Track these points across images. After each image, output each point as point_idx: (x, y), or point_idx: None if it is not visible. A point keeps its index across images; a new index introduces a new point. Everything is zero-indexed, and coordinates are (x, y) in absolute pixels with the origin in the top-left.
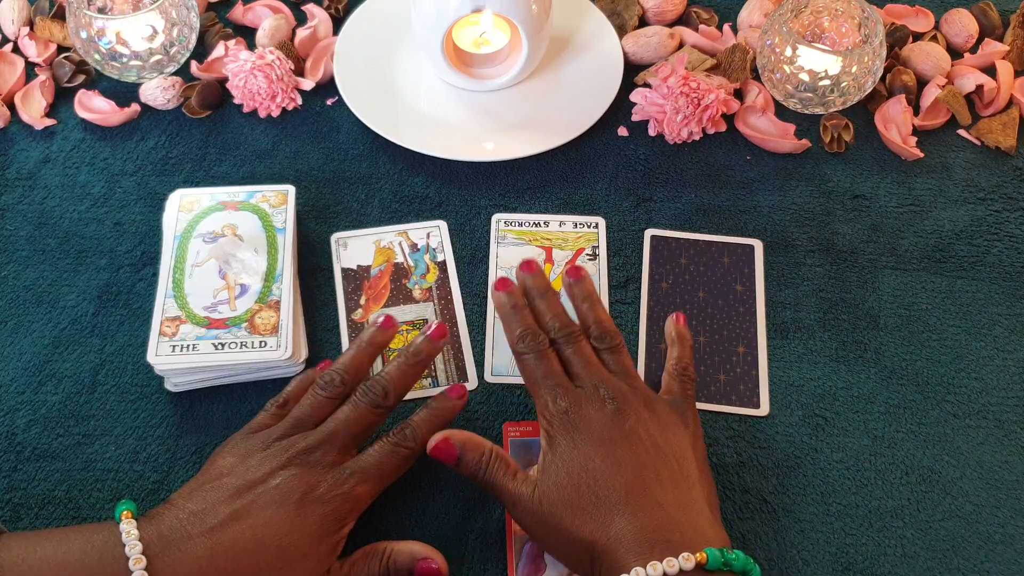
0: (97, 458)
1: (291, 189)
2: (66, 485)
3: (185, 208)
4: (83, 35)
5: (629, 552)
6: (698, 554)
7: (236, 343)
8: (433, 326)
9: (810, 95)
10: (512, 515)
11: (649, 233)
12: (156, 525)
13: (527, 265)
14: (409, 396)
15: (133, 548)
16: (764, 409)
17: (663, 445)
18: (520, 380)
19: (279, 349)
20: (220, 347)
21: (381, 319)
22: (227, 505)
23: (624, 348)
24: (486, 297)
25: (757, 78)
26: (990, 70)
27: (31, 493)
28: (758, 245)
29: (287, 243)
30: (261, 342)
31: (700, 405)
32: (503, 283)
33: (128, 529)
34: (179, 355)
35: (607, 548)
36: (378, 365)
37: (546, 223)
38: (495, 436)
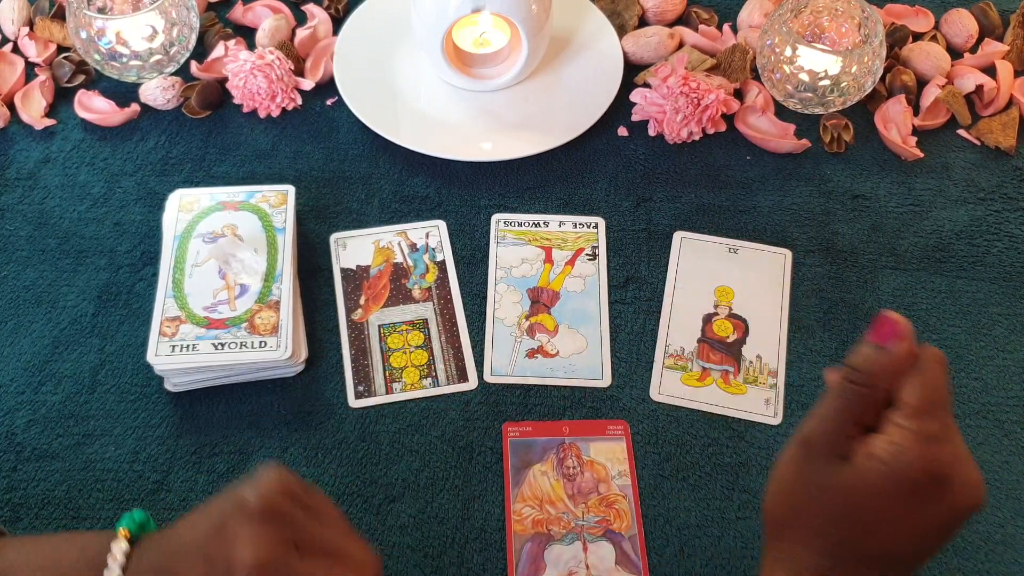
0: (97, 458)
1: (291, 189)
2: (66, 485)
3: (185, 208)
4: (83, 35)
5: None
6: None
7: (236, 343)
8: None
9: (810, 95)
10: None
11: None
12: (152, 554)
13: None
14: (409, 396)
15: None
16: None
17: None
18: (519, 380)
19: (279, 349)
20: (220, 347)
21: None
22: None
23: None
24: (485, 297)
25: (757, 78)
26: (990, 70)
27: (31, 493)
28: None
29: (287, 243)
30: (261, 342)
31: (703, 405)
32: None
33: (118, 551)
34: (179, 355)
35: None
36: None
37: (546, 223)
38: (495, 436)
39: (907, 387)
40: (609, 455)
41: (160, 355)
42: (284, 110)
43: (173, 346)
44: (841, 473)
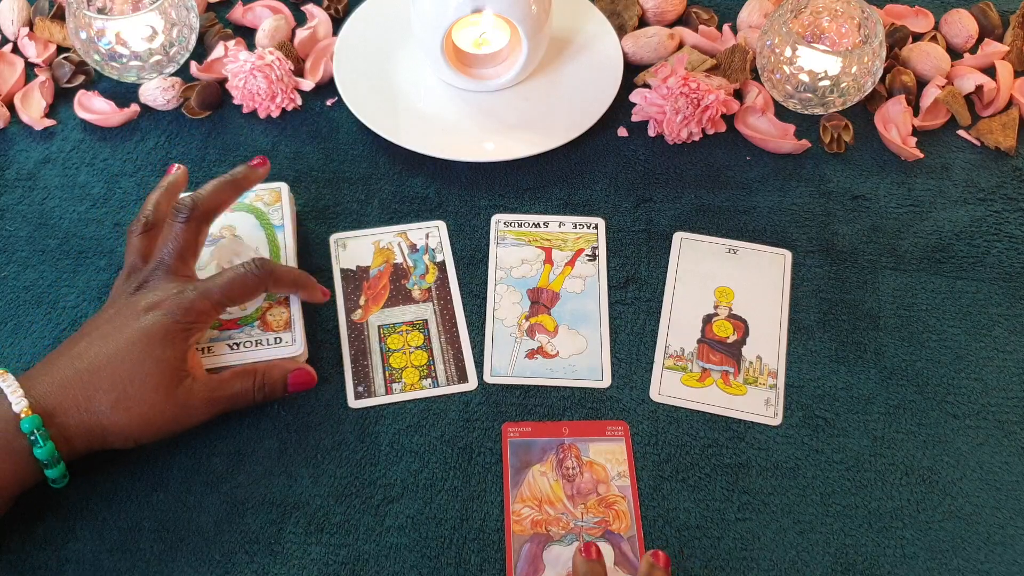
0: (94, 459)
1: (284, 186)
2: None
3: None
4: (83, 35)
5: None
6: None
7: (251, 341)
8: (256, 160)
9: (810, 95)
10: None
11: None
12: (34, 370)
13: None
14: (409, 396)
15: (8, 384)
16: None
17: None
18: (519, 381)
19: (294, 344)
20: (235, 347)
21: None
22: (88, 336)
23: None
24: (485, 298)
25: (757, 78)
26: (990, 70)
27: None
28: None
29: (287, 239)
30: (276, 338)
31: (703, 406)
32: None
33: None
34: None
35: None
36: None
37: (545, 224)
38: (494, 437)
39: None
40: (609, 456)
41: None
42: (284, 111)
43: None
44: None
